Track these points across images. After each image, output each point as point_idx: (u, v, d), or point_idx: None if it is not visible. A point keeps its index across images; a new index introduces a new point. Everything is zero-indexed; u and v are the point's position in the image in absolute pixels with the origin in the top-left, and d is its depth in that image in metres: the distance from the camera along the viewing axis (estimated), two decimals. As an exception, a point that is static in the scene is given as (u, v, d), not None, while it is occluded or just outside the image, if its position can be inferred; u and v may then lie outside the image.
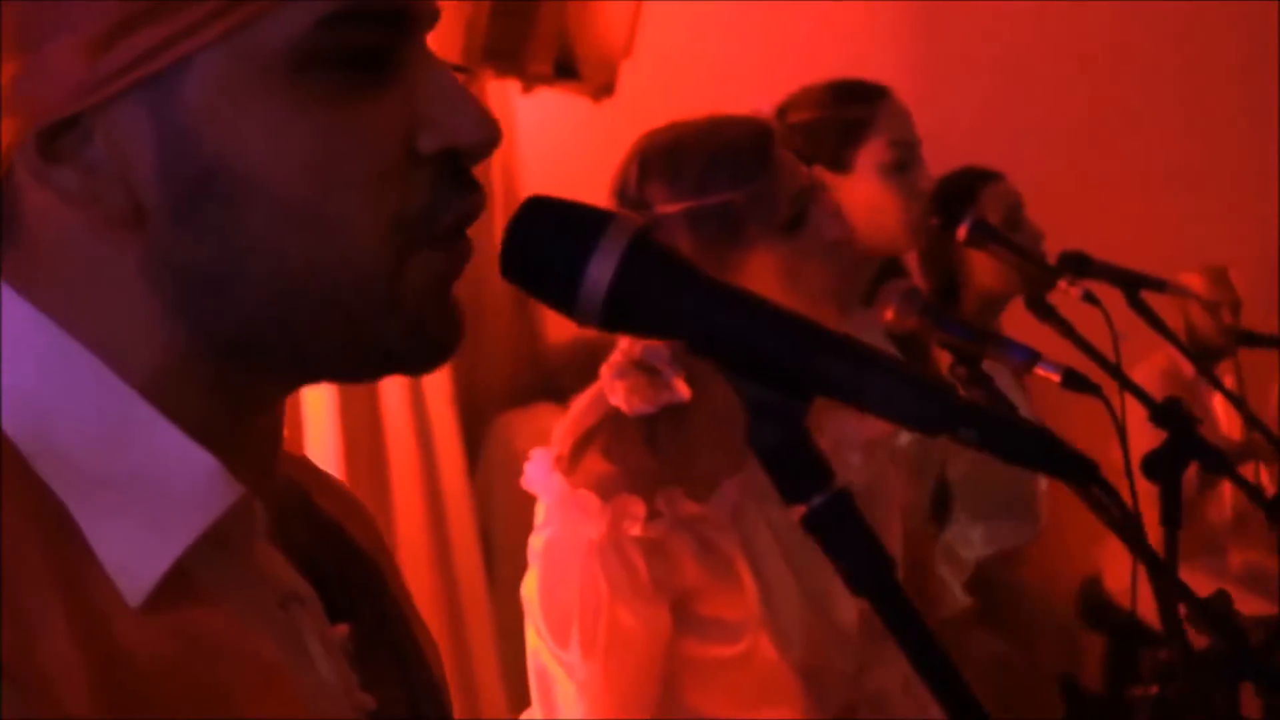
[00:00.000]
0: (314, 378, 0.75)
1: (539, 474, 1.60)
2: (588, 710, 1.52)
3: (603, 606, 1.51)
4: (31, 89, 0.64)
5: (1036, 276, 2.21)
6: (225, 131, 0.65)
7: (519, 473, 4.43)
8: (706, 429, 1.60)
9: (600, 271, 0.67)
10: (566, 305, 0.69)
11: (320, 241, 0.66)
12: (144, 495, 0.66)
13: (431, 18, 0.70)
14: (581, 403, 1.66)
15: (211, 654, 0.66)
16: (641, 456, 1.58)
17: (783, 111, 2.20)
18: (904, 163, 2.20)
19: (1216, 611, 1.48)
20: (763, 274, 1.57)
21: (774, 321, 0.68)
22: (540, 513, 1.60)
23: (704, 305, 0.68)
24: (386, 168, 0.67)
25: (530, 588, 1.58)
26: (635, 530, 1.53)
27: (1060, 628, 3.28)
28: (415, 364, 0.71)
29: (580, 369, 4.48)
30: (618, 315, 0.68)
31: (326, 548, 0.79)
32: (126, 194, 0.65)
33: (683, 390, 1.56)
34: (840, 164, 2.18)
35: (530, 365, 4.40)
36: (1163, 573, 1.58)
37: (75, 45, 0.63)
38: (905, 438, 2.11)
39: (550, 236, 0.69)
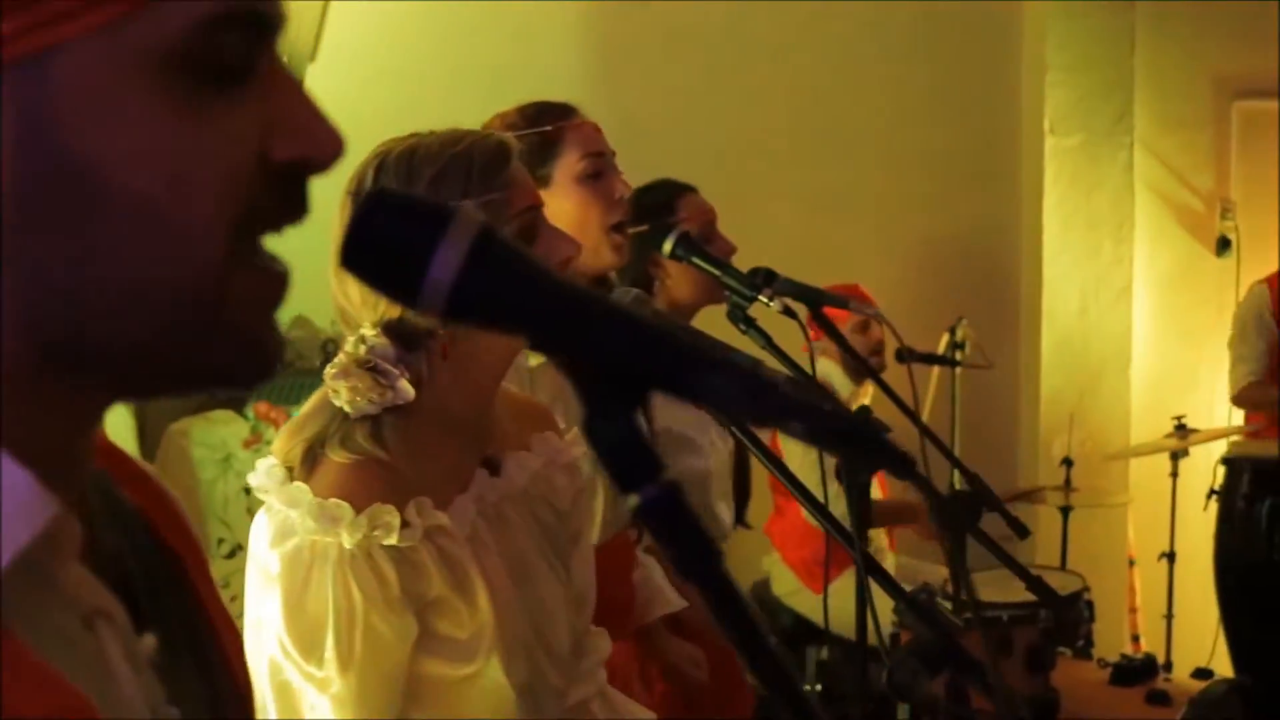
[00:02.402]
0: (142, 393, 0.73)
1: (273, 482, 1.54)
2: None
3: (357, 617, 1.47)
4: None
5: (736, 289, 2.29)
6: (87, 124, 0.63)
7: (195, 480, 4.22)
8: (434, 432, 1.60)
9: (446, 263, 0.68)
10: (410, 297, 0.69)
11: (168, 249, 0.65)
12: None
13: (284, 23, 0.70)
14: (307, 407, 1.62)
15: (8, 688, 0.62)
16: (380, 462, 1.55)
17: None
18: (598, 172, 2.26)
19: (922, 605, 1.58)
20: None
21: (612, 318, 0.70)
22: (272, 525, 1.52)
23: (546, 300, 0.70)
24: (239, 174, 0.67)
25: (264, 605, 1.50)
26: (391, 539, 1.50)
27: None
28: (241, 381, 0.71)
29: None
30: (461, 307, 0.69)
31: (133, 547, 0.77)
32: None
33: (408, 390, 1.54)
34: (539, 181, 2.22)
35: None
36: (877, 571, 1.67)
37: None
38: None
39: (396, 228, 0.69)
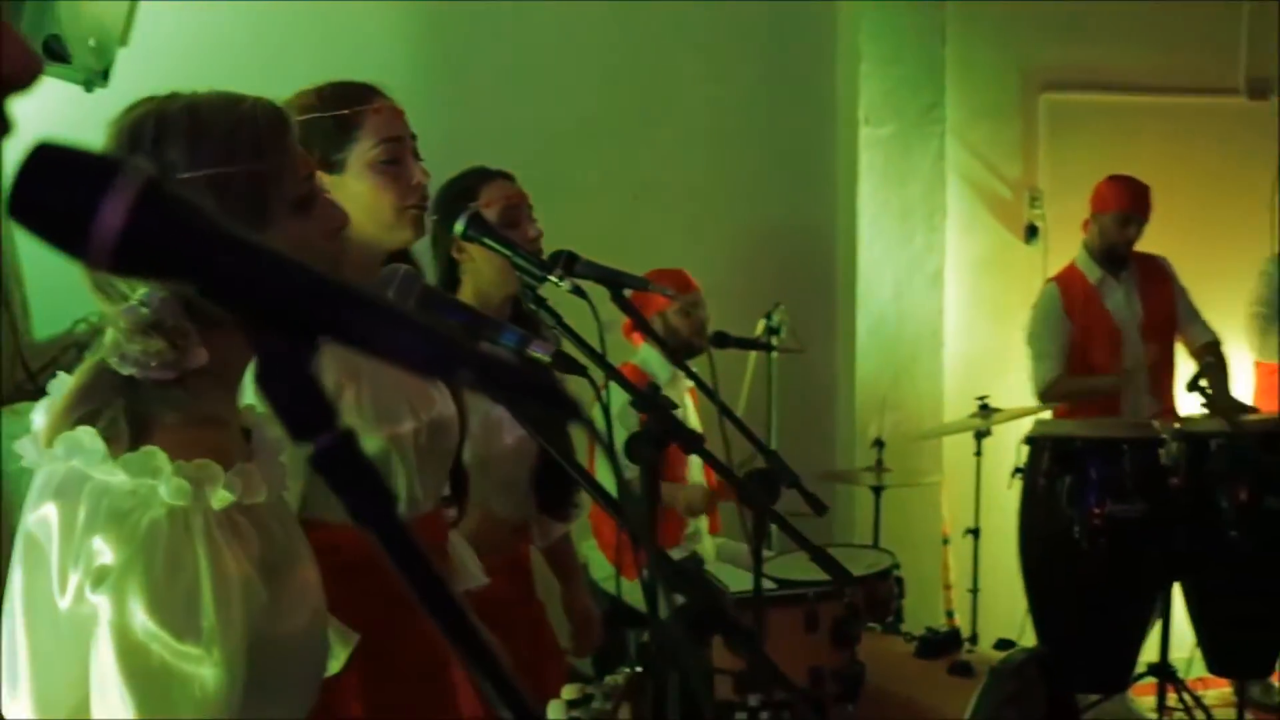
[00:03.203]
0: None
1: (96, 457, 1.41)
2: (230, 702, 1.36)
3: (232, 583, 1.38)
4: None
5: (527, 270, 2.32)
6: None
7: (0, 472, 4.08)
8: (223, 399, 1.53)
9: (112, 215, 0.68)
10: (78, 249, 0.69)
11: None
12: None
13: None
14: (73, 385, 1.53)
15: None
16: (216, 420, 1.48)
17: None
18: (394, 157, 2.23)
19: (690, 573, 1.62)
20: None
21: (283, 268, 0.71)
22: (97, 508, 1.39)
23: (215, 250, 0.71)
24: None
25: (121, 587, 1.35)
26: (260, 498, 1.43)
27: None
28: None
29: (66, 367, 4.28)
30: (130, 259, 0.69)
31: None
32: None
33: (201, 354, 1.46)
34: (333, 165, 2.20)
35: (11, 364, 4.16)
36: (645, 543, 1.70)
37: None
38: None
39: (62, 180, 0.69)
